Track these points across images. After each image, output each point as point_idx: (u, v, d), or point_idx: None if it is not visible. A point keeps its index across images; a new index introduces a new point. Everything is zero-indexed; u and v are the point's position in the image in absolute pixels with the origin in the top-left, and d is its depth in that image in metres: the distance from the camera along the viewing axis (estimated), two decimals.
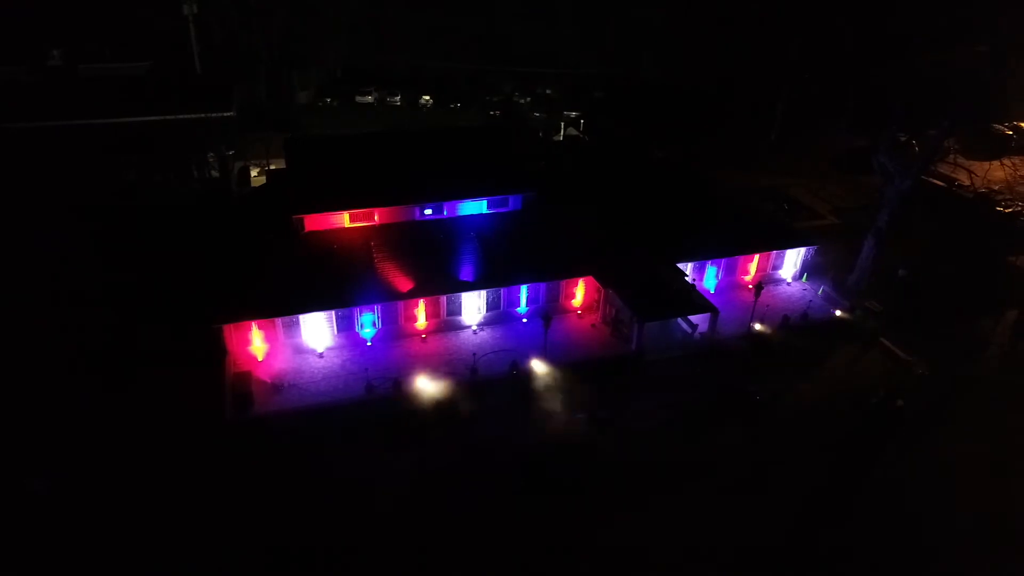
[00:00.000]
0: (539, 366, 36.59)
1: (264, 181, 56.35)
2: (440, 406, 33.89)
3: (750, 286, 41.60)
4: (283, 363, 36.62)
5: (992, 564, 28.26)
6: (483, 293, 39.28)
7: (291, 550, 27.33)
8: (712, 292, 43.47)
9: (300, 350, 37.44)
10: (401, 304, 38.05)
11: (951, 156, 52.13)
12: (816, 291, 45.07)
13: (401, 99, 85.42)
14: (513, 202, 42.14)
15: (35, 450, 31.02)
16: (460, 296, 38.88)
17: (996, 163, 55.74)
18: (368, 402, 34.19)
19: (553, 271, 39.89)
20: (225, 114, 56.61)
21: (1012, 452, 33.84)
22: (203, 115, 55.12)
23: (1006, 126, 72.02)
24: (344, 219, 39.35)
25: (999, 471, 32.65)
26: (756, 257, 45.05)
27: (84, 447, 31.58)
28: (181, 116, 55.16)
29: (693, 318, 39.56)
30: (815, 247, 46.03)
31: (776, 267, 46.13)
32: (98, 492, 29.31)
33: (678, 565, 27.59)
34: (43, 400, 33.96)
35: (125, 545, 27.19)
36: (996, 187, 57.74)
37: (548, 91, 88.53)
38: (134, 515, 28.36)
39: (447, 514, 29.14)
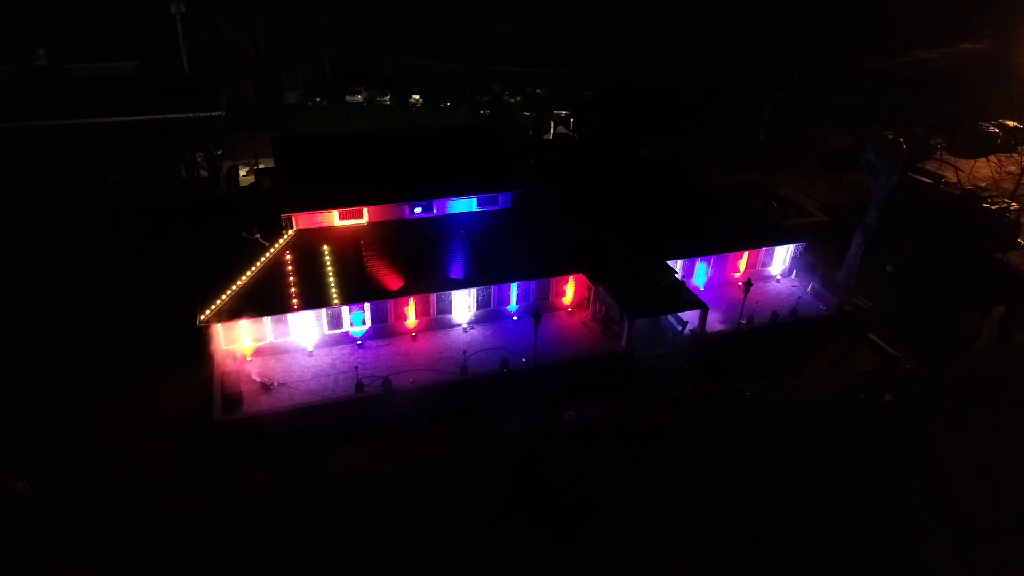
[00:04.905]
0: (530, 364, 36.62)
1: (253, 180, 56.22)
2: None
3: (739, 283, 41.75)
4: (272, 362, 36.46)
5: (981, 562, 28.43)
6: (473, 291, 39.25)
7: (281, 550, 27.26)
8: (701, 289, 43.61)
9: (289, 349, 37.31)
10: (391, 302, 37.98)
11: (937, 153, 52.55)
12: (805, 288, 45.29)
13: (391, 98, 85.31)
14: (503, 200, 42.13)
15: (18, 451, 30.76)
16: (450, 294, 38.83)
17: (982, 160, 56.27)
18: (358, 400, 34.15)
19: (543, 269, 39.90)
20: (213, 113, 56.32)
21: (1000, 448, 34.10)
22: (191, 114, 54.83)
23: (991, 123, 72.58)
24: (333, 217, 39.22)
25: (986, 467, 32.89)
26: (745, 254, 45.25)
27: (70, 447, 31.37)
28: (169, 116, 54.84)
29: (683, 315, 39.66)
30: (804, 244, 46.27)
31: (765, 264, 46.33)
32: (84, 493, 29.10)
33: (664, 565, 27.62)
34: (28, 399, 33.72)
35: (112, 546, 27.00)
36: (982, 184, 58.23)
37: (538, 90, 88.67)
38: (121, 515, 28.19)
39: (440, 510, 29.15)
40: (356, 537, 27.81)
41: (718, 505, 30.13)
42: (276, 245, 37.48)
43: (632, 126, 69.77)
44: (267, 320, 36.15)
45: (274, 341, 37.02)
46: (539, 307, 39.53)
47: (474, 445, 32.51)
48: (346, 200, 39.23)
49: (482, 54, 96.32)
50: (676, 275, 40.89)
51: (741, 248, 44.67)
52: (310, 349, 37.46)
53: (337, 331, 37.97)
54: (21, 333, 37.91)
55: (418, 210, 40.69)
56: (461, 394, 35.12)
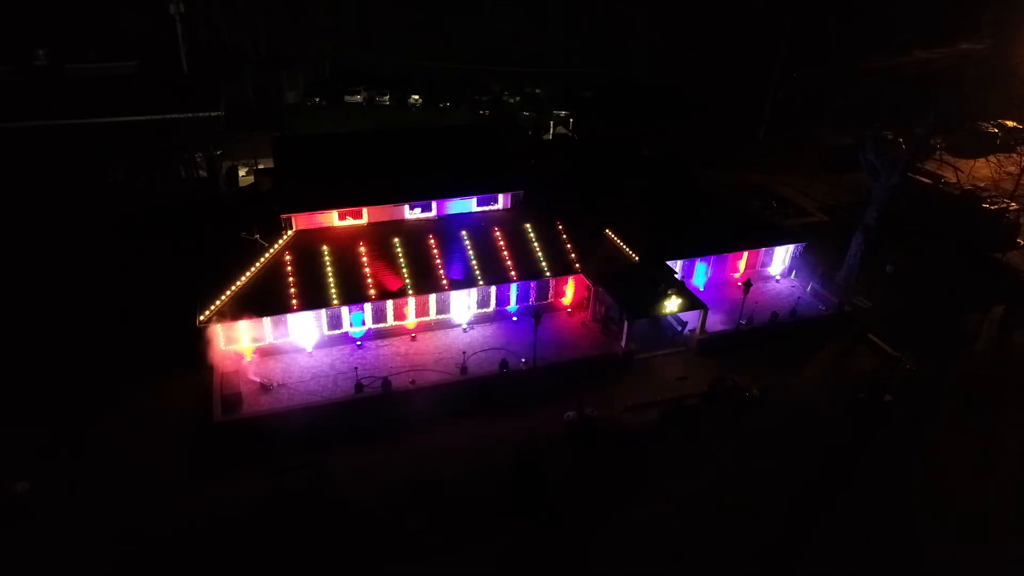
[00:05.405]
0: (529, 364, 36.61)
1: (252, 181, 56.18)
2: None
3: (739, 283, 41.75)
4: (272, 363, 36.46)
5: (981, 562, 28.41)
6: (473, 291, 39.25)
7: (281, 551, 27.25)
8: (701, 289, 43.61)
9: (289, 349, 37.30)
10: (390, 303, 37.98)
11: (937, 153, 52.59)
12: (804, 288, 45.29)
13: (390, 98, 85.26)
14: (503, 200, 42.12)
15: (19, 451, 30.74)
16: (450, 294, 38.83)
17: (982, 160, 56.32)
18: (358, 401, 34.16)
19: (543, 269, 39.89)
20: (212, 114, 56.31)
21: (1000, 448, 34.08)
22: (191, 115, 54.82)
23: (991, 123, 72.61)
24: (333, 218, 39.21)
25: (986, 467, 32.88)
26: (745, 254, 45.26)
27: (70, 447, 31.36)
28: (169, 116, 54.84)
29: (683, 315, 39.66)
30: (803, 244, 46.27)
31: (765, 264, 46.32)
32: (84, 494, 29.09)
33: (664, 565, 27.60)
34: (28, 399, 33.71)
35: (112, 546, 26.98)
36: (982, 184, 58.27)
37: (537, 90, 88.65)
38: (121, 515, 28.18)
39: (440, 511, 29.15)
40: (356, 537, 27.80)
41: (718, 505, 30.13)
42: (275, 245, 37.46)
43: (632, 126, 69.74)
44: (266, 321, 36.15)
45: (274, 341, 37.03)
46: (539, 307, 39.54)
47: (474, 445, 32.48)
48: (346, 200, 39.21)
49: (482, 54, 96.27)
50: (676, 275, 40.89)
51: (741, 248, 44.68)
52: (309, 350, 37.46)
53: (336, 332, 37.98)
54: (21, 333, 37.89)
55: (418, 210, 40.67)
56: (461, 394, 35.12)
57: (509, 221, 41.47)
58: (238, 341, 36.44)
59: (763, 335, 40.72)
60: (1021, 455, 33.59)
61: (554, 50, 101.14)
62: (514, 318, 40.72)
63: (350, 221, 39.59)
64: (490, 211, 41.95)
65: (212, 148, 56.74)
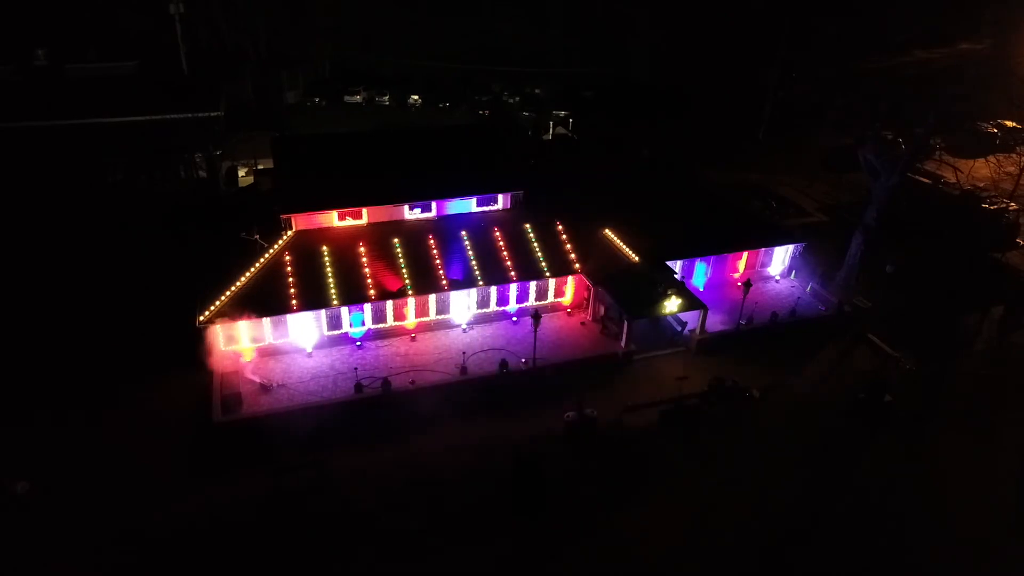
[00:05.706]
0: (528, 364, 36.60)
1: (252, 181, 56.20)
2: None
3: (739, 284, 41.75)
4: (271, 363, 36.45)
5: (981, 563, 28.39)
6: (473, 292, 39.25)
7: (281, 551, 27.26)
8: (701, 289, 43.60)
9: (288, 350, 37.29)
10: (390, 303, 37.97)
11: (937, 153, 52.57)
12: (804, 288, 45.28)
13: (390, 98, 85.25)
14: (503, 200, 42.11)
15: (18, 451, 30.74)
16: (449, 295, 38.82)
17: (981, 160, 56.27)
18: (358, 401, 34.16)
19: (543, 269, 39.88)
20: (212, 114, 56.31)
21: (1000, 448, 34.07)
22: (191, 115, 54.81)
23: (990, 124, 72.55)
24: (332, 218, 39.20)
25: (986, 467, 32.86)
26: (745, 254, 45.25)
27: (69, 449, 31.36)
28: (168, 116, 54.84)
29: (682, 315, 39.67)
30: (803, 244, 46.26)
31: (764, 264, 46.32)
32: (83, 493, 29.09)
33: (665, 565, 27.59)
34: (29, 399, 33.71)
35: (112, 546, 26.98)
36: (981, 184, 58.25)
37: (537, 90, 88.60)
38: (121, 515, 28.19)
39: (440, 511, 29.16)
40: (356, 538, 27.81)
41: (718, 505, 30.13)
42: (275, 246, 37.46)
43: (632, 126, 69.73)
44: (266, 321, 36.15)
45: (273, 342, 37.03)
46: (538, 308, 39.52)
47: (474, 445, 32.48)
48: (346, 201, 39.21)
49: (482, 54, 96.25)
50: (676, 275, 40.90)
51: (741, 248, 44.67)
52: (309, 350, 37.46)
53: (336, 332, 37.98)
54: (21, 334, 37.90)
55: (417, 211, 40.66)
56: (461, 395, 35.12)
57: (509, 221, 41.46)
58: (238, 341, 36.44)
59: (763, 335, 40.72)
60: (1021, 455, 33.58)
61: (554, 50, 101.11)
62: (514, 318, 40.72)
63: (350, 221, 39.59)
64: (490, 211, 41.95)
65: (212, 148, 56.75)
